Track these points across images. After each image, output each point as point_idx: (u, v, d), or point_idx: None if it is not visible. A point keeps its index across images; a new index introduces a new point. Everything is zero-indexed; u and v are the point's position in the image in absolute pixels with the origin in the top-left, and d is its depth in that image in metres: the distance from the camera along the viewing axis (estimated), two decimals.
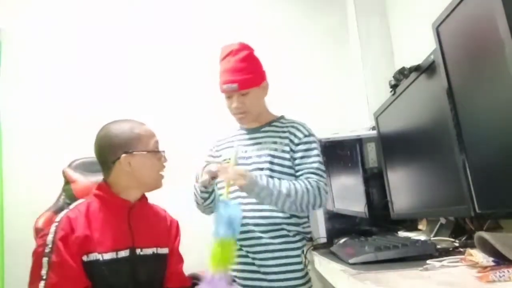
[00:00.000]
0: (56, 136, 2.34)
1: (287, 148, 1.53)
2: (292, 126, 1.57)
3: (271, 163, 1.51)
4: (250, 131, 1.62)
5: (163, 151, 1.40)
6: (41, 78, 2.46)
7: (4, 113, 2.39)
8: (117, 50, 2.52)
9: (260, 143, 1.57)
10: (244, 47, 1.56)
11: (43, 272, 1.15)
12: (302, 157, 1.51)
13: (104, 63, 2.49)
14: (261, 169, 1.50)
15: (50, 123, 2.38)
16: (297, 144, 1.53)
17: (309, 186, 1.43)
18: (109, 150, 1.32)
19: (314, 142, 1.55)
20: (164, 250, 1.39)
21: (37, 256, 1.18)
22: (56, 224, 1.22)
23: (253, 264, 1.48)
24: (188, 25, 2.54)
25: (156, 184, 1.38)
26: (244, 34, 2.43)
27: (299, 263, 1.48)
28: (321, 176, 1.49)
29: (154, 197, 1.46)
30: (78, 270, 1.18)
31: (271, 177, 1.46)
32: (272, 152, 1.52)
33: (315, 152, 1.53)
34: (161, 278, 1.38)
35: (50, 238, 1.19)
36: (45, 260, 1.16)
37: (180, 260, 1.47)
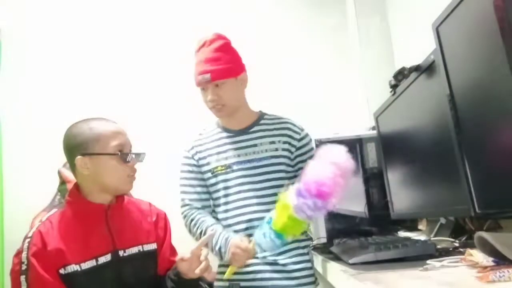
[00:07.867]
0: (57, 136, 2.34)
1: (286, 146, 1.50)
2: (287, 122, 1.55)
3: (274, 164, 1.47)
4: (238, 132, 1.52)
5: (131, 153, 1.28)
6: (41, 78, 2.47)
7: (4, 113, 2.39)
8: (116, 49, 2.52)
9: (256, 145, 1.49)
10: (218, 37, 1.48)
11: None
12: (305, 153, 1.52)
13: (104, 62, 2.50)
14: (268, 172, 1.46)
15: (50, 123, 2.37)
16: (299, 140, 1.52)
17: None
18: (67, 152, 1.27)
19: (308, 135, 1.57)
20: (151, 246, 1.33)
21: (15, 275, 1.16)
22: (29, 240, 1.19)
23: (276, 264, 1.44)
24: (185, 23, 2.53)
25: (122, 187, 1.29)
26: (243, 34, 2.43)
27: (309, 260, 1.49)
28: None
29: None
30: (57, 284, 1.15)
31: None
32: (273, 153, 1.48)
33: (312, 145, 1.57)
34: (152, 276, 1.32)
35: (24, 255, 1.16)
36: (23, 278, 1.14)
37: (174, 253, 1.40)
